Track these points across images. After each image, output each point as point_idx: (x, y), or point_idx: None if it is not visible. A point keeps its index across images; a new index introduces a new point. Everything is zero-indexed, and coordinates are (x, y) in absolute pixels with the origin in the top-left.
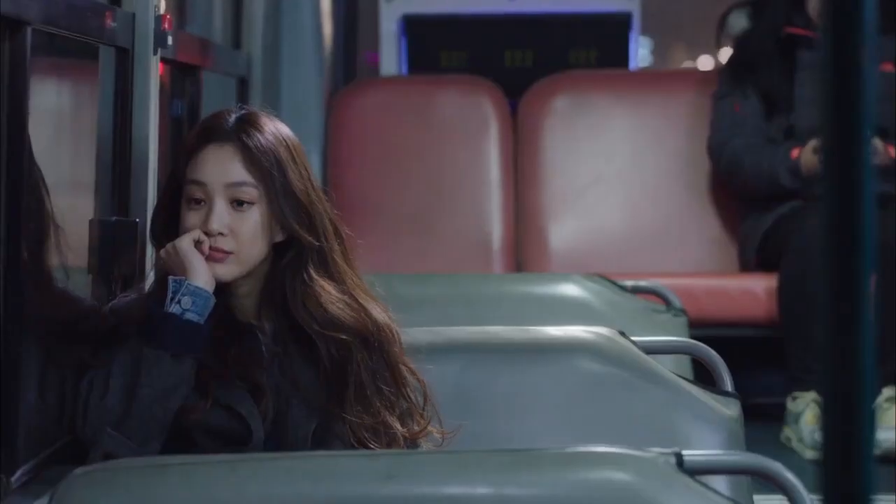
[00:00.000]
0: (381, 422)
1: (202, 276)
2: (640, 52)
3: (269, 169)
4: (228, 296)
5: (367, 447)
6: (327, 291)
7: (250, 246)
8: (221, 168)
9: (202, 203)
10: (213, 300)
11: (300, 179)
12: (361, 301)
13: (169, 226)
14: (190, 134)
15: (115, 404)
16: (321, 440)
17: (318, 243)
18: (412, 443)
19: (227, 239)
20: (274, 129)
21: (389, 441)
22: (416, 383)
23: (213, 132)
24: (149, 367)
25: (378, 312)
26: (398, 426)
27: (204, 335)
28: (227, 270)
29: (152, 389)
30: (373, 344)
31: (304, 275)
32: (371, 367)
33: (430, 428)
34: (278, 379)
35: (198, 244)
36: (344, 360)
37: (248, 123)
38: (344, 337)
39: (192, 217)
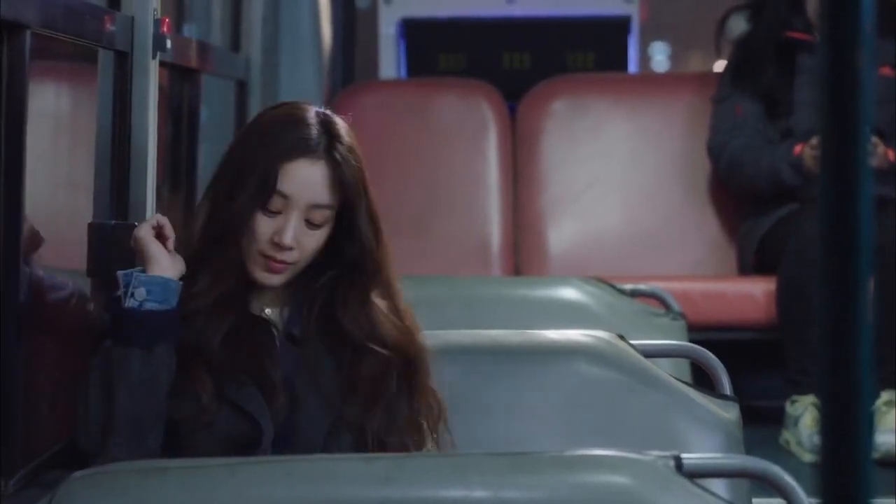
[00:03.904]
0: (400, 441)
1: (162, 264)
2: (658, 58)
3: (357, 192)
4: (254, 294)
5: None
6: (380, 309)
7: (307, 259)
8: (311, 188)
9: (277, 213)
10: (175, 283)
11: (374, 201)
12: (409, 324)
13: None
14: (276, 132)
15: (99, 411)
16: (330, 443)
17: (381, 265)
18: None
19: (293, 253)
20: (355, 145)
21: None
22: (434, 406)
23: (307, 144)
24: (120, 367)
25: (421, 337)
26: (409, 442)
27: (174, 319)
28: (281, 279)
29: (128, 388)
30: (411, 366)
31: (362, 291)
32: (403, 387)
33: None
34: (293, 378)
35: (159, 233)
36: (382, 375)
37: (339, 139)
38: (387, 353)
39: (265, 224)
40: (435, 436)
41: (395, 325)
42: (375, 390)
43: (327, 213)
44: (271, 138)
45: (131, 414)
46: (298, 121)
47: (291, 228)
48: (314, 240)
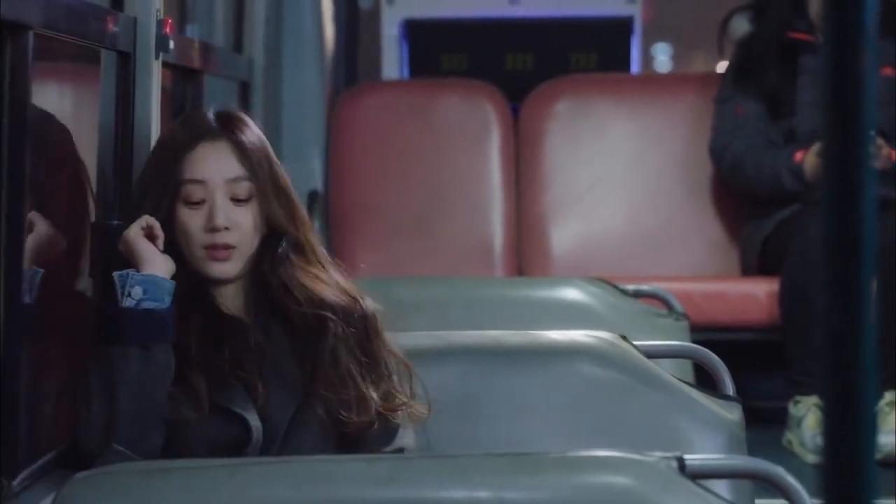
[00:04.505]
0: (358, 396)
1: (155, 263)
2: (660, 59)
3: (260, 164)
4: (218, 292)
5: (342, 423)
6: (314, 275)
7: (251, 240)
8: (219, 165)
9: (201, 203)
10: (169, 282)
11: (282, 173)
12: (343, 284)
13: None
14: (172, 136)
15: (101, 411)
16: (298, 425)
17: (302, 235)
18: (387, 419)
19: (230, 233)
20: (252, 124)
21: (365, 413)
22: (400, 368)
23: (201, 130)
24: (120, 366)
25: (359, 295)
26: (374, 396)
27: (170, 318)
28: (233, 267)
29: (129, 387)
30: (352, 321)
31: (291, 265)
32: (349, 341)
33: (409, 403)
34: (262, 369)
35: (150, 234)
36: (321, 332)
37: (232, 119)
38: (324, 313)
39: (194, 218)
40: (401, 391)
41: (332, 287)
42: (318, 350)
43: (248, 186)
44: (171, 140)
45: (132, 414)
46: (192, 117)
47: (219, 208)
48: (247, 217)
